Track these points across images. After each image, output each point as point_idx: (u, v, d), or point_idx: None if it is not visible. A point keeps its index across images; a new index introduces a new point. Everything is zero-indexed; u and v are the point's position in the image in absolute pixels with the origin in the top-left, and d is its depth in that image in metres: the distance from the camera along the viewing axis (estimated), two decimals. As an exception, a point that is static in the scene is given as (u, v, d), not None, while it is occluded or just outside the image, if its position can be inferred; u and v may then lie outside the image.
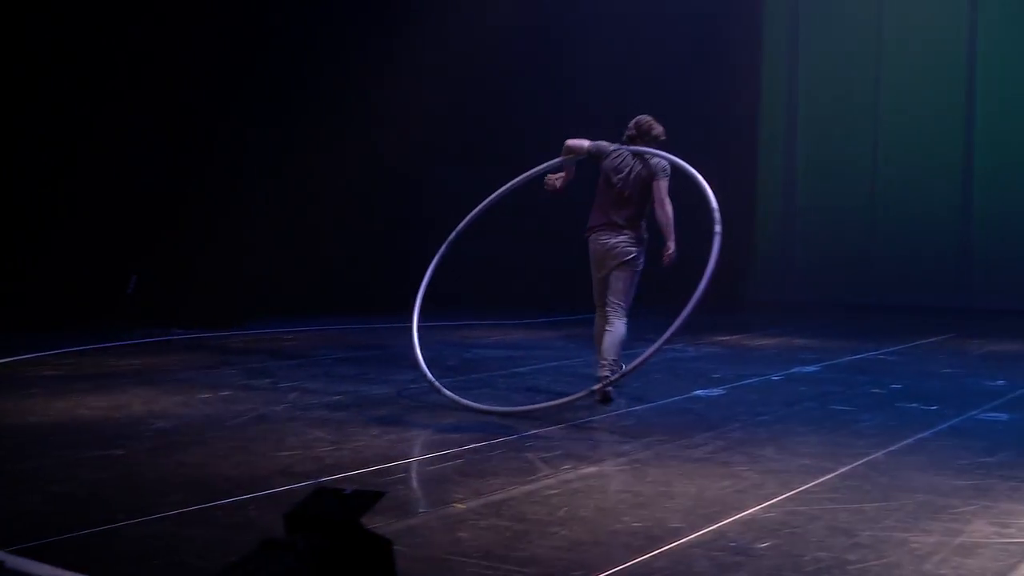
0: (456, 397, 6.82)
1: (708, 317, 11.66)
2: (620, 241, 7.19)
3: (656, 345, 6.62)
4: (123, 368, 8.27)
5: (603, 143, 7.39)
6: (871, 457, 5.51)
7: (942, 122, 15.65)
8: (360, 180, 12.86)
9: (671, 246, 7.07)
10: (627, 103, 15.31)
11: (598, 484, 4.97)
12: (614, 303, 7.18)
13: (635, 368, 6.84)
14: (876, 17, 16.03)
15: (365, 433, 5.99)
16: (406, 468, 5.19)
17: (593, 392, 6.86)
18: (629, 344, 7.24)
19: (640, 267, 7.22)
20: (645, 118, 7.35)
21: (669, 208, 7.06)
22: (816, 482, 4.96)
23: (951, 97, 15.59)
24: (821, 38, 16.43)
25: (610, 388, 7.03)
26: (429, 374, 7.10)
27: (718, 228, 6.69)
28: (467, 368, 8.57)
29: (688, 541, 4.06)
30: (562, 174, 7.48)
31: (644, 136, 7.29)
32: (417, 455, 5.46)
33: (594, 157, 7.38)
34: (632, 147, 7.28)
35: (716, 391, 7.65)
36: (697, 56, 15.81)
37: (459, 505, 4.52)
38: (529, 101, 14.56)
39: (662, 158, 7.17)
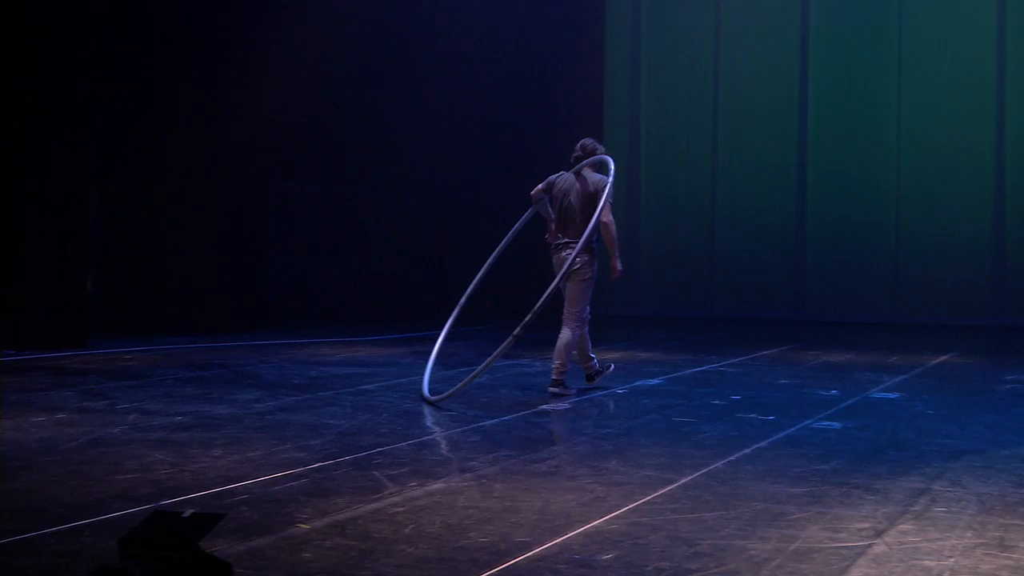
0: (438, 397, 7.64)
1: (554, 333, 11.79)
2: (567, 255, 7.99)
3: (563, 271, 7.79)
4: (-50, 392, 7.92)
5: (551, 177, 8.30)
6: (711, 467, 5.65)
7: (777, 137, 16.17)
8: (204, 195, 12.62)
9: (617, 265, 8.14)
10: (469, 115, 15.50)
11: (444, 500, 4.96)
12: (566, 312, 8.06)
13: (541, 305, 7.65)
14: (715, 26, 16.46)
15: (207, 454, 5.87)
16: (249, 489, 5.09)
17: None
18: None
19: (589, 276, 8.02)
20: (589, 141, 8.33)
21: (612, 226, 7.98)
22: (658, 493, 5.06)
23: (786, 118, 16.11)
24: (662, 51, 16.79)
25: (558, 389, 7.99)
26: (426, 389, 7.81)
27: (611, 180, 7.90)
28: (313, 386, 8.47)
29: (533, 555, 4.09)
30: (553, 226, 8.31)
31: (589, 156, 8.20)
32: (261, 476, 5.36)
33: (548, 191, 8.27)
34: (574, 168, 8.19)
35: (562, 405, 7.73)
36: (539, 68, 16.01)
37: (303, 525, 4.47)
38: (373, 112, 14.52)
39: (602, 176, 8.07)
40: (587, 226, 7.87)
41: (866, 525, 4.54)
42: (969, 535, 4.42)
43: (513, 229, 8.81)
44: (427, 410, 7.43)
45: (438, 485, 5.25)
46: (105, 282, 11.77)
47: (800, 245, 16.08)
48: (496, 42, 15.70)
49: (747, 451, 6.10)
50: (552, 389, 8.02)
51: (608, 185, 7.90)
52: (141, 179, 12.14)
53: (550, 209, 8.31)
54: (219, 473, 5.39)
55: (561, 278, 7.84)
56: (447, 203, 15.23)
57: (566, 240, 8.11)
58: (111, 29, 11.63)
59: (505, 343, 7.59)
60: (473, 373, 7.75)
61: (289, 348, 11.10)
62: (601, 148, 8.31)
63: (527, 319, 7.62)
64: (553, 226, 8.28)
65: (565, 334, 8.02)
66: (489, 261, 8.76)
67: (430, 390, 7.85)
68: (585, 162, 8.19)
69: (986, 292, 15.21)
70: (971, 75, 15.30)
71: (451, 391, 7.66)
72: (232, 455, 5.85)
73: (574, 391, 8.11)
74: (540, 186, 8.31)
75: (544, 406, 7.64)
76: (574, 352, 8.18)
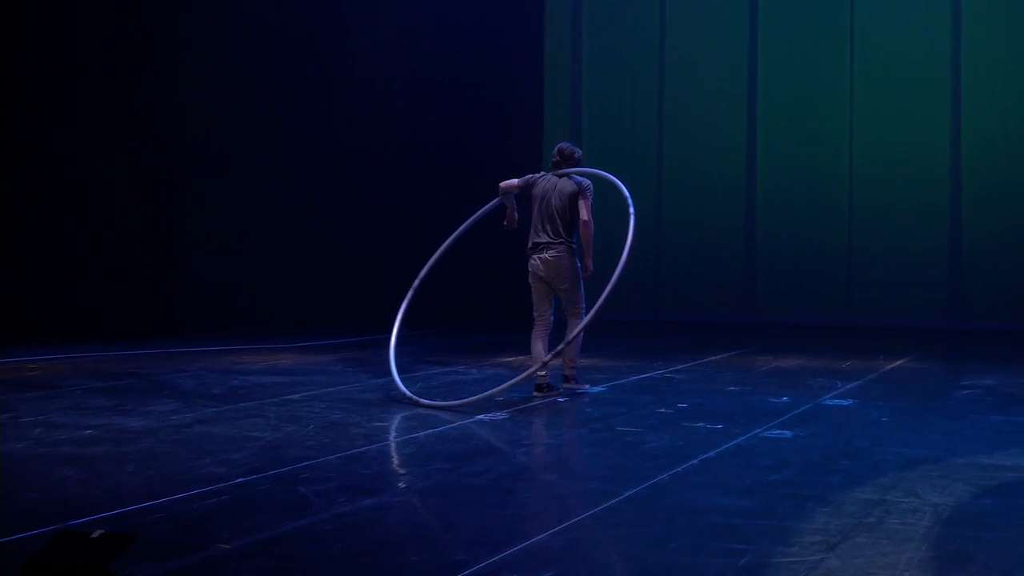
0: (433, 402, 7.97)
1: (494, 338, 11.80)
2: (551, 255, 8.49)
3: (588, 318, 8.33)
4: None
5: (530, 175, 8.76)
6: (657, 479, 5.67)
7: (725, 137, 16.29)
8: (115, 193, 12.45)
9: (589, 264, 8.54)
10: (402, 112, 15.46)
11: (376, 517, 4.94)
12: (569, 311, 8.61)
13: (566, 345, 8.42)
14: (659, 30, 16.56)
15: (120, 470, 5.79)
16: (165, 507, 5.04)
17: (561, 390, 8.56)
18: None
19: (577, 272, 8.56)
20: (566, 145, 8.86)
21: (591, 226, 8.44)
22: (601, 507, 5.07)
23: (734, 119, 16.24)
24: (604, 50, 16.86)
25: (571, 385, 8.61)
26: (405, 389, 8.18)
27: (632, 210, 8.42)
28: (234, 397, 8.39)
29: (470, 573, 4.08)
30: (514, 215, 8.79)
31: (567, 160, 8.70)
32: (178, 493, 5.30)
33: (525, 189, 8.68)
34: (557, 171, 8.63)
35: (500, 415, 7.73)
36: (476, 62, 16.02)
37: (224, 545, 4.42)
38: (300, 105, 14.43)
39: (584, 177, 8.60)
40: (568, 225, 8.45)
41: (818, 538, 4.59)
42: (925, 548, 4.48)
43: (469, 220, 9.09)
44: (356, 421, 7.38)
45: (368, 501, 5.22)
46: (7, 287, 11.56)
47: (750, 246, 16.22)
48: (433, 34, 15.68)
49: (694, 462, 6.13)
50: (565, 385, 8.62)
51: (624, 193, 8.43)
52: (45, 177, 11.95)
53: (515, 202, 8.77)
54: (132, 490, 5.33)
55: (613, 285, 8.20)
56: (378, 202, 15.18)
57: (546, 240, 8.50)
58: (9, 19, 11.44)
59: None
60: (502, 387, 8.14)
61: (208, 356, 10.99)
62: (579, 152, 8.80)
63: (563, 341, 8.33)
64: (516, 215, 8.73)
65: (571, 332, 8.48)
66: (438, 253, 9.08)
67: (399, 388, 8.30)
68: (584, 169, 8.68)
69: (942, 295, 15.42)
70: (925, 74, 15.49)
71: (463, 401, 7.99)
72: (146, 471, 5.79)
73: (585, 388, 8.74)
74: (515, 181, 8.73)
75: (481, 416, 7.63)
76: (537, 352, 8.50)
